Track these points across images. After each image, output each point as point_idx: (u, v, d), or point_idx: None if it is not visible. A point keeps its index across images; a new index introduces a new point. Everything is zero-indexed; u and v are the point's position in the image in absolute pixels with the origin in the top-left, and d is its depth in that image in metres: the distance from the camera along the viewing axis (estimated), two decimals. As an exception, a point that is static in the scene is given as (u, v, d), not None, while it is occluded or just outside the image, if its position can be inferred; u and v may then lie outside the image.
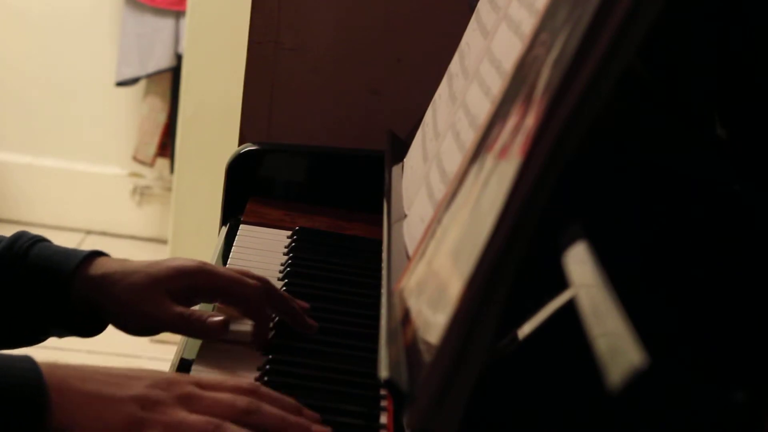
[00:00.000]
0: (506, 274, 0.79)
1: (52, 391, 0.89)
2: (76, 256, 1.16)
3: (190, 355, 1.13)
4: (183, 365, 1.11)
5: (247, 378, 1.08)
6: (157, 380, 0.94)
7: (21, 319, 1.17)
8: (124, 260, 1.18)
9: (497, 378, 0.80)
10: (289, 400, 0.98)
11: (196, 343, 1.14)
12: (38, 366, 0.90)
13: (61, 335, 1.20)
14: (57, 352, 1.69)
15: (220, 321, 1.12)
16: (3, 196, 4.00)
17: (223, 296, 1.17)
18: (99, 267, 1.16)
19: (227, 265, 1.35)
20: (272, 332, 1.17)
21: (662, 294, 0.83)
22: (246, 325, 1.17)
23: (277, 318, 1.20)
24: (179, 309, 1.13)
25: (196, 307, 1.18)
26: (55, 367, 0.92)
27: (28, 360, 0.91)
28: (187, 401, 0.94)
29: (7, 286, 1.16)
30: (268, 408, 0.96)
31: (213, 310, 1.19)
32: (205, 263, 1.18)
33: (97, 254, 1.18)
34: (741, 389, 0.76)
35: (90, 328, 1.18)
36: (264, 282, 1.19)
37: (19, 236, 1.18)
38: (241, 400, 0.95)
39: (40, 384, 0.89)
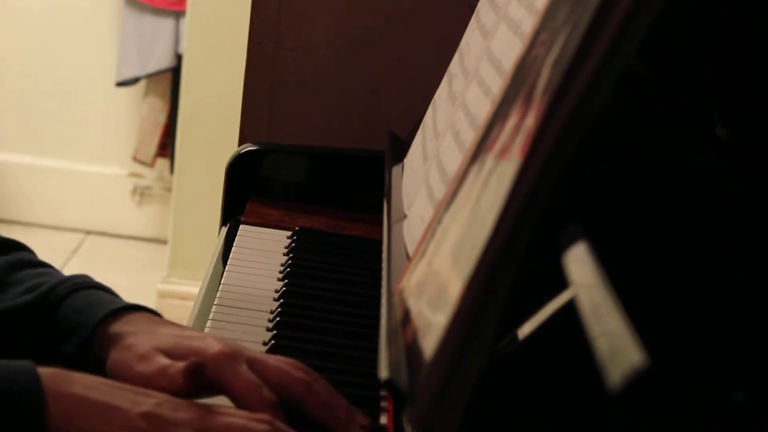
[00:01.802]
0: (506, 274, 0.79)
1: (50, 397, 0.86)
2: (102, 310, 1.04)
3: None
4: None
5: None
6: (167, 400, 0.90)
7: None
8: (157, 323, 1.04)
9: (497, 378, 0.80)
10: None
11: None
12: (37, 371, 0.87)
13: None
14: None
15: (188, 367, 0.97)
16: (3, 196, 4.01)
17: (230, 398, 0.98)
18: (124, 324, 1.03)
19: (227, 266, 1.35)
20: (273, 332, 1.17)
21: (662, 294, 0.83)
22: None
23: (277, 317, 1.20)
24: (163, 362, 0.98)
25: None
26: (57, 373, 0.88)
27: (27, 365, 0.88)
28: (200, 423, 0.89)
29: (34, 338, 1.06)
30: None
31: None
32: (229, 352, 0.98)
33: (137, 308, 1.06)
34: (741, 389, 0.76)
35: None
36: (298, 386, 1.00)
37: (64, 281, 1.08)
38: (258, 426, 0.90)
39: (37, 389, 0.86)
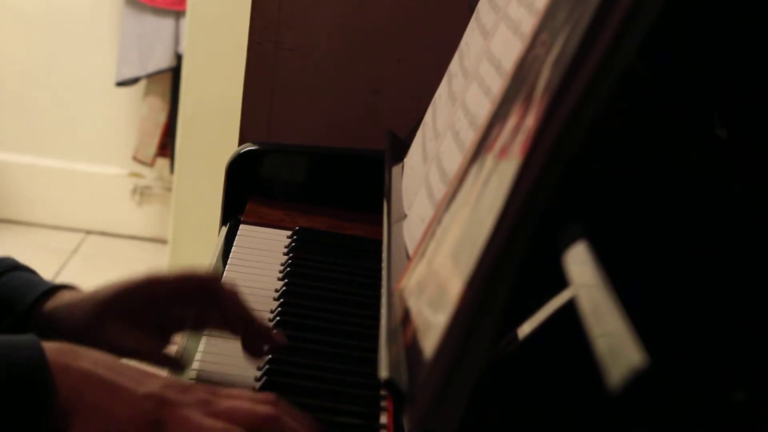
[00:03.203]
0: (506, 274, 0.79)
1: (57, 370, 0.85)
2: (36, 290, 1.10)
3: (191, 353, 1.12)
4: (183, 365, 1.11)
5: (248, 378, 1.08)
6: (172, 382, 0.91)
7: None
8: (80, 292, 1.11)
9: (497, 378, 0.80)
10: (309, 419, 0.94)
11: (196, 342, 1.14)
12: (40, 344, 0.86)
13: None
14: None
15: (177, 359, 1.07)
16: (3, 196, 4.00)
17: (174, 306, 1.09)
18: (54, 300, 1.10)
19: (227, 265, 1.35)
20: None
21: (662, 294, 0.83)
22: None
23: (277, 316, 1.20)
24: (133, 343, 1.05)
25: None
26: (64, 347, 0.88)
27: (30, 339, 0.87)
28: (204, 405, 0.89)
29: None
30: (289, 420, 0.91)
31: None
32: (150, 274, 1.09)
33: (62, 288, 1.11)
34: (741, 389, 0.76)
35: None
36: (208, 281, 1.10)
37: None
38: (262, 408, 0.91)
39: (42, 363, 0.85)
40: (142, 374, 0.90)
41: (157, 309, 1.09)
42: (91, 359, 0.88)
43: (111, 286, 1.08)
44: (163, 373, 0.95)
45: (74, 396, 0.86)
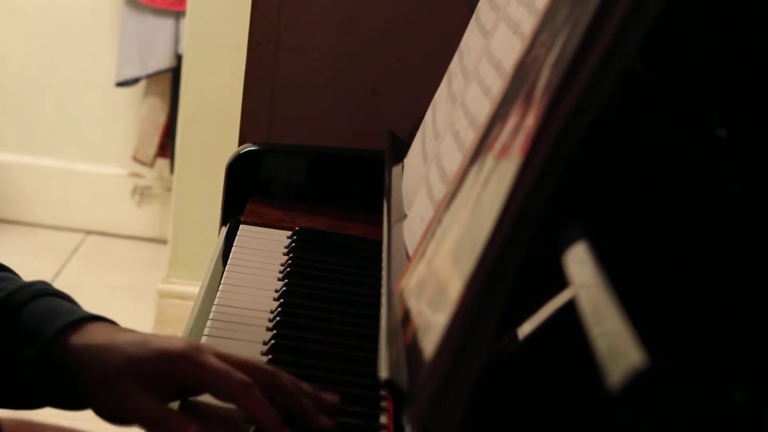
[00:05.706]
0: (506, 274, 0.79)
1: None
2: (62, 320, 1.03)
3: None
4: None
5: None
6: None
7: (6, 381, 1.05)
8: (117, 331, 1.04)
9: (497, 378, 0.80)
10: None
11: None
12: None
13: (42, 405, 1.06)
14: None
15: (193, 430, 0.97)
16: (3, 196, 4.01)
17: (206, 390, 1.01)
18: (85, 335, 1.02)
19: (227, 266, 1.35)
20: (273, 332, 1.17)
21: (662, 294, 0.83)
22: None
23: (277, 316, 1.20)
24: (152, 409, 0.98)
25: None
26: (22, 423, 0.84)
27: None
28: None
29: None
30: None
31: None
32: (194, 347, 1.01)
33: (95, 318, 1.05)
34: (741, 389, 0.76)
35: (72, 402, 1.05)
36: (264, 376, 1.01)
37: (24, 287, 1.07)
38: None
39: None
40: None
41: (190, 391, 1.02)
42: None
43: (150, 345, 1.00)
44: None
45: None
